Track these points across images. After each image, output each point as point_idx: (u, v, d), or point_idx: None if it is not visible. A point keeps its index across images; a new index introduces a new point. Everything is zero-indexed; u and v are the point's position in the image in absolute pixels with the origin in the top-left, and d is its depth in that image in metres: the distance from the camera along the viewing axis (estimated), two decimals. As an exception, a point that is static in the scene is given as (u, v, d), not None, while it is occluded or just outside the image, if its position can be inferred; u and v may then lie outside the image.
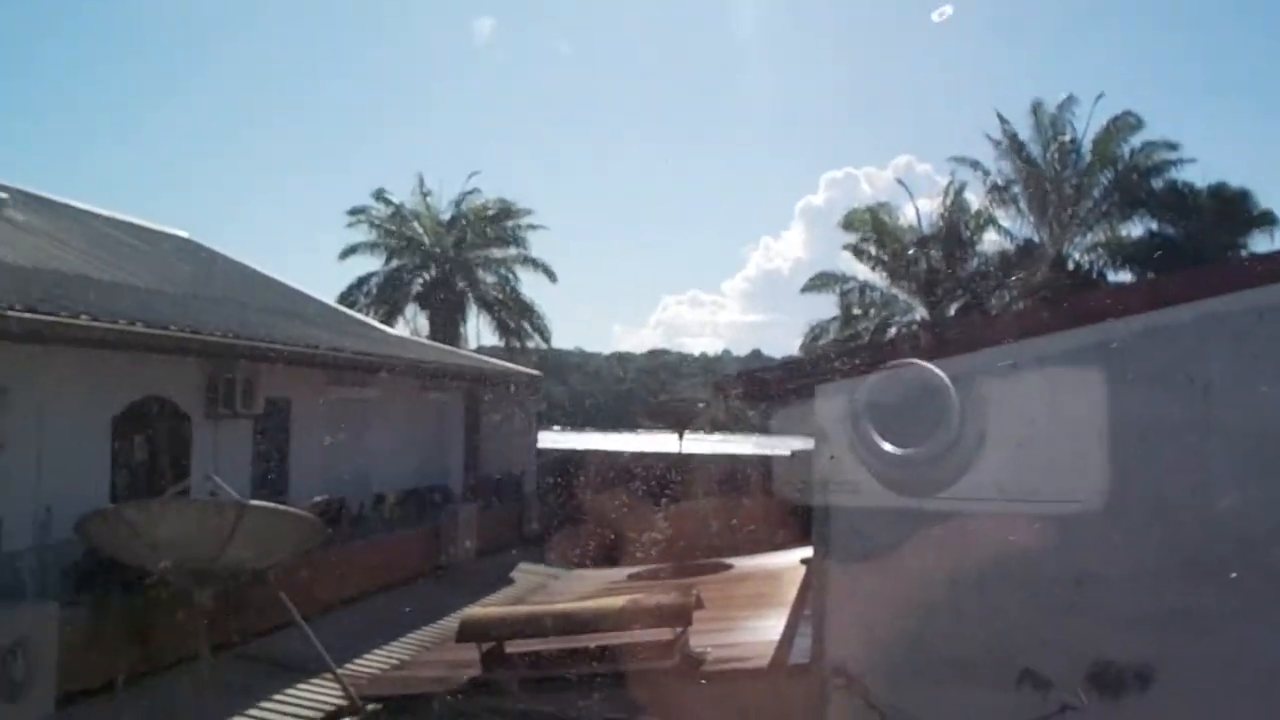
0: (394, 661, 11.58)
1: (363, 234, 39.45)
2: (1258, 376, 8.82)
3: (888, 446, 9.38)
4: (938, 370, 9.56)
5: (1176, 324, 9.15)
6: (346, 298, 36.52)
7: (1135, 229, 34.62)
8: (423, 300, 38.92)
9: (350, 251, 38.99)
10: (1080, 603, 8.86)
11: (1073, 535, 8.93)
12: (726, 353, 62.23)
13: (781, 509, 16.45)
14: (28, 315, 9.82)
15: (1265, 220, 33.42)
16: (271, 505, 10.57)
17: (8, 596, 9.47)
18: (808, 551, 11.40)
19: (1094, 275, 33.53)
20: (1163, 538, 8.69)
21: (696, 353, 64.09)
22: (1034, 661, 9.18)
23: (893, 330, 33.44)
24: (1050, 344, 9.73)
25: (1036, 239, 35.01)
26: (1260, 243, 32.99)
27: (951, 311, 31.85)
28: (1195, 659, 8.77)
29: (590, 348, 66.17)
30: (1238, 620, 8.68)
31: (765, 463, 20.62)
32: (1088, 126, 34.51)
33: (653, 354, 56.20)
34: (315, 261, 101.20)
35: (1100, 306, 9.76)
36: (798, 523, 14.27)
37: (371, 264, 39.35)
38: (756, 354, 53.09)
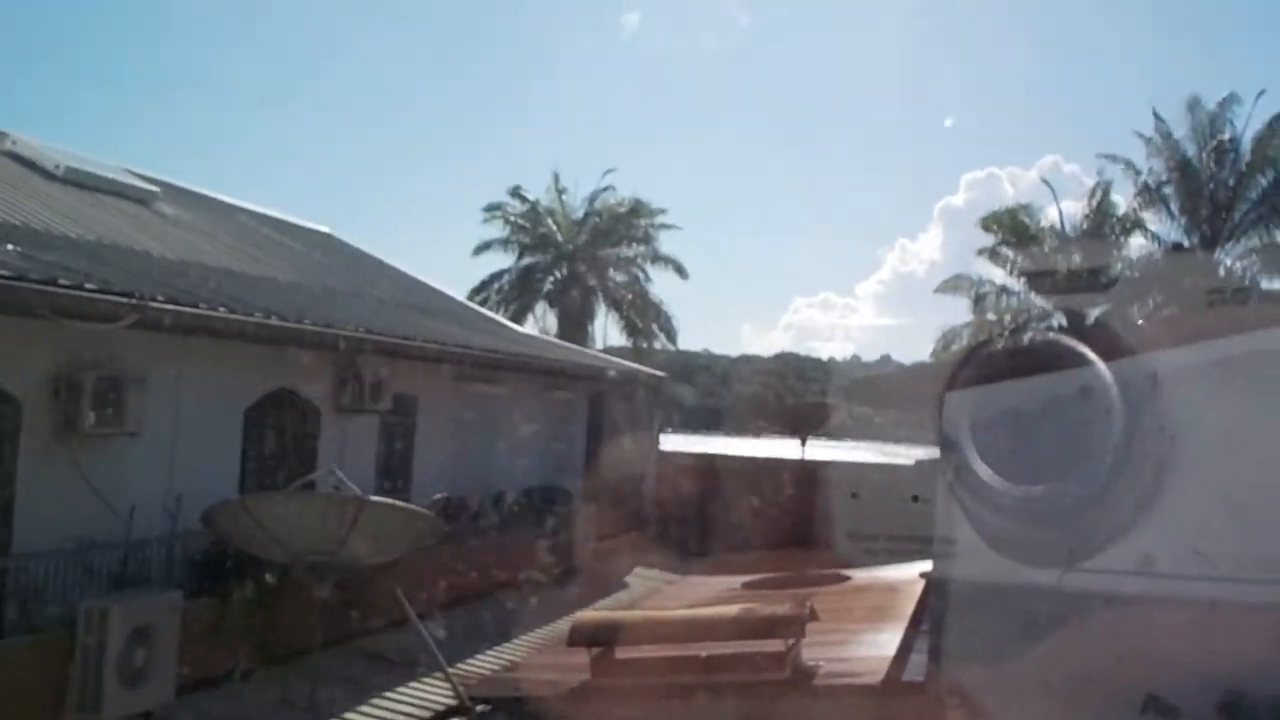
0: (505, 663, 11.64)
1: (497, 230, 39.97)
2: None
3: (998, 483, 8.70)
4: (1092, 355, 8.56)
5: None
6: (478, 294, 37.03)
7: (1294, 235, 33.05)
8: (552, 298, 39.25)
9: (484, 248, 39.54)
10: (1213, 627, 8.40)
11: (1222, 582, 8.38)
12: (856, 357, 61.44)
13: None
14: (169, 306, 10.16)
15: None
16: (391, 501, 10.78)
17: (135, 584, 9.78)
18: (928, 565, 11.10)
19: (1247, 282, 32.08)
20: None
21: (825, 356, 63.50)
22: (1161, 687, 8.75)
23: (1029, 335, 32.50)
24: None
25: (1186, 243, 33.68)
26: None
27: (1092, 319, 30.78)
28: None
29: (718, 349, 65.98)
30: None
31: (884, 471, 20.20)
32: (1247, 125, 33.10)
33: (781, 357, 55.75)
34: (451, 258, 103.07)
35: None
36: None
37: (504, 261, 39.85)
38: (887, 359, 52.30)
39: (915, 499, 9.28)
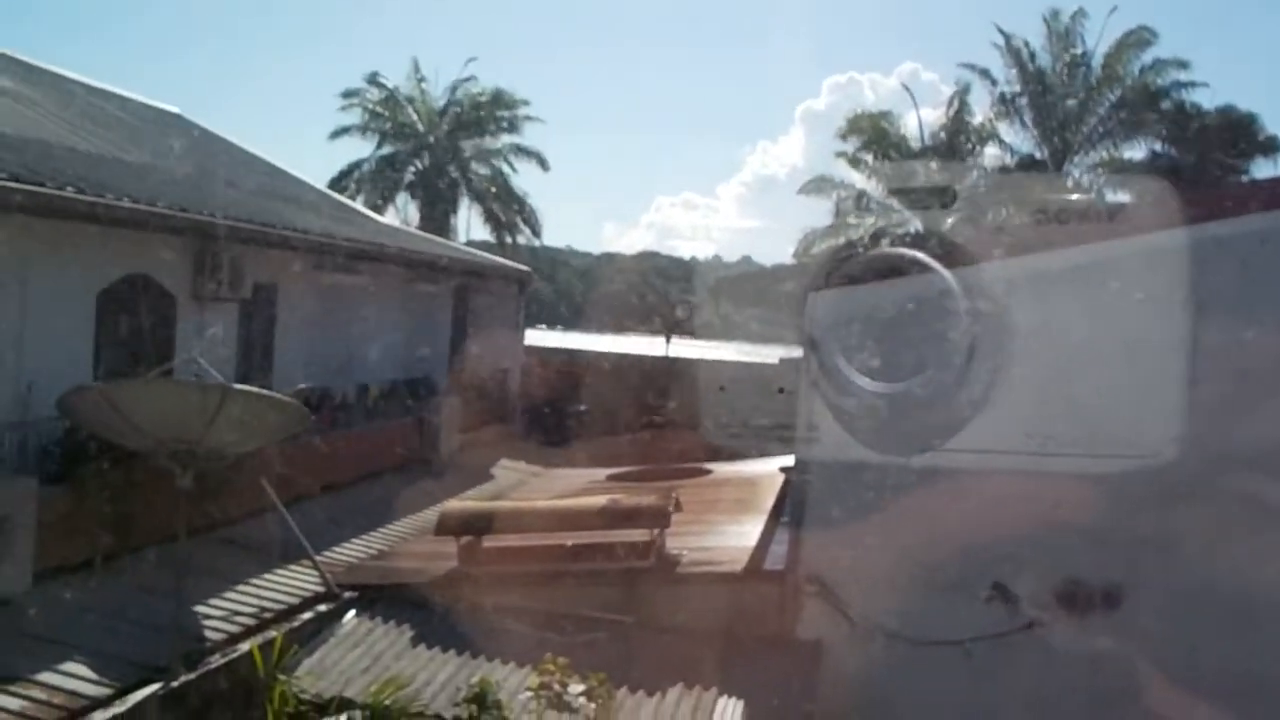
0: (372, 551, 11.63)
1: (355, 119, 39.02)
2: (1252, 302, 8.79)
3: (861, 381, 9.15)
4: (941, 269, 9.09)
5: (1175, 244, 9.02)
6: (337, 184, 36.02)
7: (1138, 150, 34.30)
8: (414, 189, 38.62)
9: (341, 132, 38.51)
10: (1054, 521, 8.93)
11: (1050, 457, 8.94)
12: (717, 257, 61.90)
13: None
14: (12, 185, 9.64)
15: (1271, 146, 33.09)
16: (255, 389, 10.55)
17: (-13, 472, 9.46)
18: (788, 459, 11.45)
19: (1093, 195, 33.26)
20: (1138, 460, 8.72)
21: (687, 256, 63.81)
22: (1004, 577, 9.30)
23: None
24: (1044, 262, 9.52)
25: (1038, 155, 34.66)
26: (1263, 168, 32.77)
27: (948, 225, 31.63)
28: (1163, 581, 8.88)
29: (581, 246, 65.76)
30: (1206, 543, 8.78)
31: (748, 369, 20.58)
32: (1099, 40, 34.07)
33: (643, 255, 55.79)
34: (307, 146, 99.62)
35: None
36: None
37: (363, 149, 38.96)
38: (747, 260, 52.87)
39: (781, 390, 9.71)
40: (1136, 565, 8.93)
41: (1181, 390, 8.73)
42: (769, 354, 19.52)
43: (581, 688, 7.91)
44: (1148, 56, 33.60)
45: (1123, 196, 32.24)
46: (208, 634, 8.56)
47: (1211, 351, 8.79)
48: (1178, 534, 8.84)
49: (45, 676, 7.36)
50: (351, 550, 11.46)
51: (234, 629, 8.75)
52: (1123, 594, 9.12)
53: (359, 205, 30.03)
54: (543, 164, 39.13)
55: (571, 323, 36.28)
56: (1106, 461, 8.72)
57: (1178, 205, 9.49)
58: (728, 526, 11.51)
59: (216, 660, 8.17)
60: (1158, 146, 33.78)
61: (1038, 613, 9.27)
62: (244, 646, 8.42)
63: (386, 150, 39.13)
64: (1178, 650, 8.67)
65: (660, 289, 38.45)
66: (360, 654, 8.92)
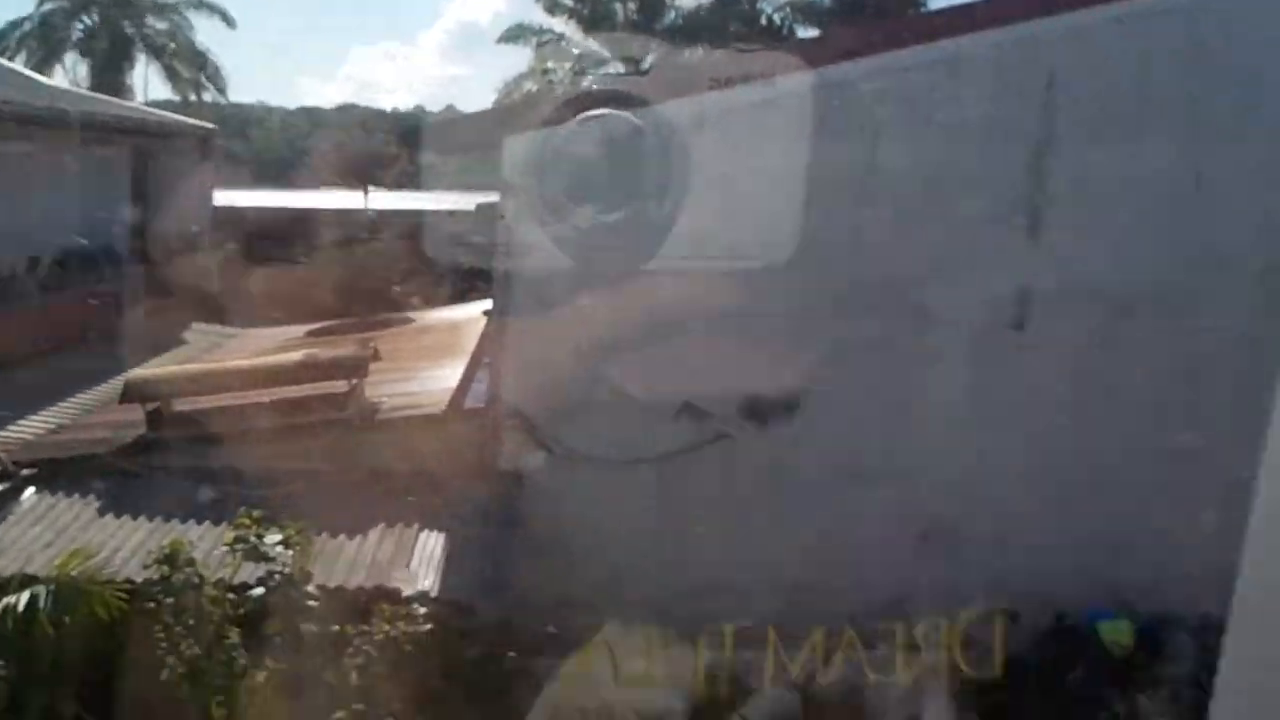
0: (51, 426, 11.04)
1: (11, -28, 35.68)
2: (925, 130, 9.43)
3: (578, 211, 9.43)
4: (637, 120, 9.52)
5: (854, 76, 9.53)
6: (-7, 44, 33.09)
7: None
8: (83, 48, 35.88)
9: (-6, -13, 35.17)
10: (735, 339, 9.45)
11: (727, 277, 9.42)
12: (420, 108, 60.28)
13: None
14: None
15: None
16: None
17: None
18: (490, 303, 11.54)
19: (784, 31, 34.18)
20: (813, 276, 9.30)
21: (389, 108, 61.88)
22: (693, 396, 9.80)
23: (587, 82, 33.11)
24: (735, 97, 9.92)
25: (733, -7, 35.21)
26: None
27: (646, 65, 31.88)
28: (839, 389, 9.60)
29: (274, 102, 62.72)
30: (878, 352, 9.52)
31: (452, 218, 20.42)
32: None
33: (343, 109, 53.68)
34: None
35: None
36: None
37: (23, 6, 35.78)
38: (451, 109, 51.76)
39: (502, 218, 9.98)
40: (809, 372, 9.59)
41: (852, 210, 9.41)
42: (469, 201, 19.41)
43: (279, 537, 7.88)
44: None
45: (811, 31, 33.35)
46: None
47: (882, 178, 9.46)
48: (848, 340, 9.53)
49: None
50: (28, 426, 10.81)
51: (-105, 516, 8.20)
52: (799, 403, 9.77)
53: (19, 66, 27.69)
54: (227, 20, 37.18)
55: (266, 180, 34.79)
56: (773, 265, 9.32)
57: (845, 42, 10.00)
58: (429, 371, 11.56)
59: (-125, 549, 7.67)
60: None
61: (724, 426, 9.83)
62: (-93, 533, 7.92)
63: (49, 7, 36.04)
64: (847, 451, 9.46)
65: (360, 142, 37.22)
66: (42, 529, 8.53)
